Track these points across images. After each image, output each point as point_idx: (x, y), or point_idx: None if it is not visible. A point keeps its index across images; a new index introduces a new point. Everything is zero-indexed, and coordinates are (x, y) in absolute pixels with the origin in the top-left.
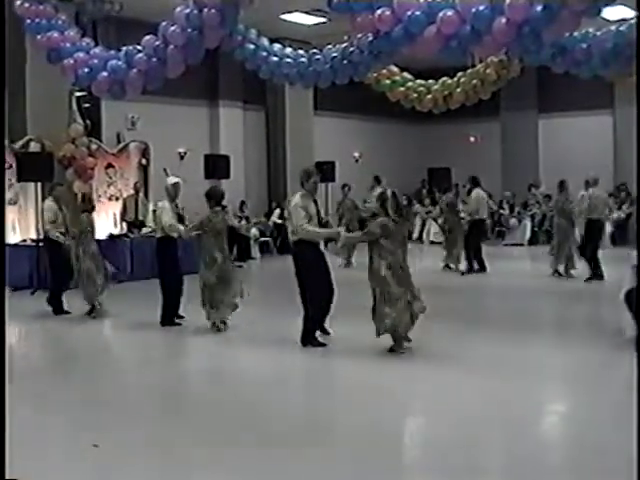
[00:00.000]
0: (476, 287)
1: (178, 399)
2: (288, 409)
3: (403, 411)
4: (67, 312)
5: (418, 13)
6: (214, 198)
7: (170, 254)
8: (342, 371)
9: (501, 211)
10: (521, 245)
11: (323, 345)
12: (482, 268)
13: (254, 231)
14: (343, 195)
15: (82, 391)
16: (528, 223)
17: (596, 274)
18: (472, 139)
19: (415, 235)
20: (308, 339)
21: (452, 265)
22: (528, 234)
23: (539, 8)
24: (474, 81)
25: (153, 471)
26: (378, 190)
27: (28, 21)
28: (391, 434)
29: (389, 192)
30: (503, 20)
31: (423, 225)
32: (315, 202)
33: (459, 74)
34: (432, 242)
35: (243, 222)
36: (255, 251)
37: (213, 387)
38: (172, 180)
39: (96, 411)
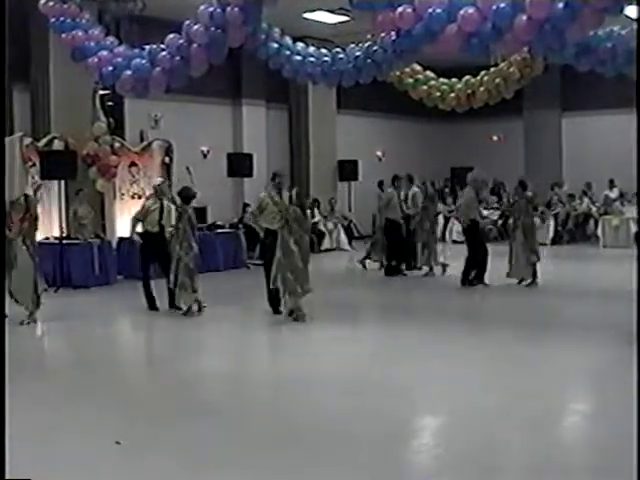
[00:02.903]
0: (496, 286)
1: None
2: (320, 410)
3: (421, 410)
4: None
5: (439, 11)
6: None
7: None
8: (361, 373)
9: None
10: (544, 245)
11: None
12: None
13: None
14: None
15: (109, 387)
16: (551, 223)
17: None
18: (495, 138)
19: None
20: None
21: None
22: (551, 234)
23: (561, 5)
24: (497, 80)
25: (174, 468)
26: (414, 189)
27: (52, 20)
28: (409, 433)
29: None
30: (524, 17)
31: (446, 224)
32: (280, 198)
33: (482, 73)
34: (454, 241)
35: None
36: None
37: (239, 385)
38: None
39: (121, 407)
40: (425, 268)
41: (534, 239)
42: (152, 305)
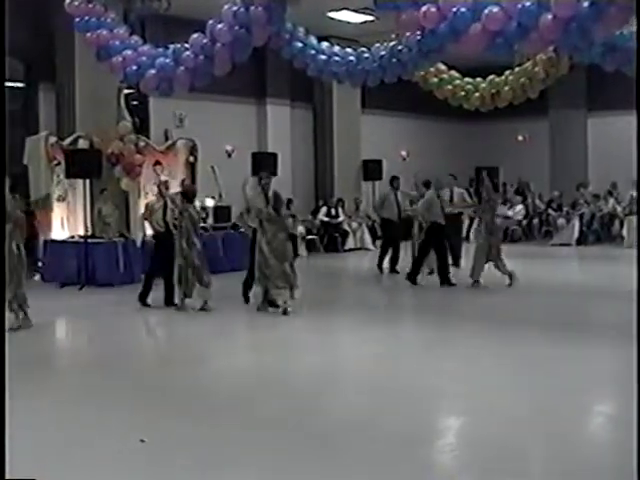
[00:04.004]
0: (520, 286)
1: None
2: (333, 407)
3: (444, 410)
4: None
5: (463, 10)
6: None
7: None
8: (382, 372)
9: (549, 211)
10: (569, 245)
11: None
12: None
13: (301, 229)
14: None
15: (133, 385)
16: (576, 223)
17: None
18: (520, 138)
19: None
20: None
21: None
22: (576, 234)
23: (586, 4)
24: (522, 79)
25: (199, 466)
26: (428, 193)
27: (77, 19)
28: (432, 433)
29: None
30: (549, 16)
31: (470, 224)
32: (266, 197)
33: (507, 72)
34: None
35: (290, 220)
36: (302, 249)
37: (266, 384)
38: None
39: (146, 405)
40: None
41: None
42: (143, 300)
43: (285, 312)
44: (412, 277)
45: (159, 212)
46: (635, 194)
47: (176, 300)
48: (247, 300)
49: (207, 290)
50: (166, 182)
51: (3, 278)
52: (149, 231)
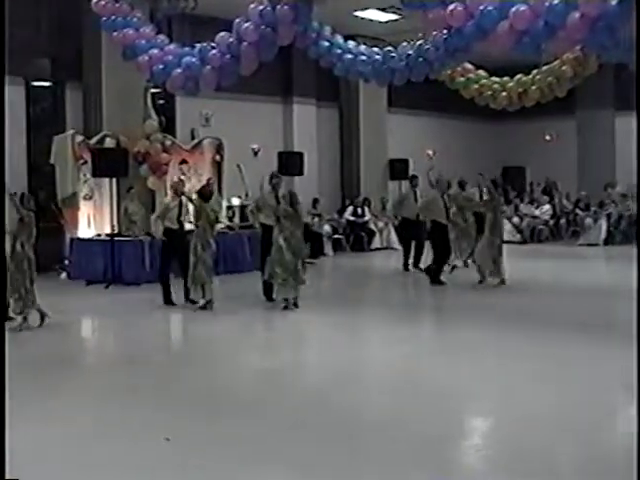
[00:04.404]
0: (546, 286)
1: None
2: (357, 406)
3: (471, 411)
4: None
5: (490, 8)
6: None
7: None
8: (410, 372)
9: (576, 211)
10: (596, 245)
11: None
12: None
13: (327, 228)
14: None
15: (158, 383)
16: (604, 223)
17: None
18: (548, 137)
19: None
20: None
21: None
22: (604, 234)
23: (614, 3)
24: (550, 78)
25: (225, 465)
26: (431, 193)
27: (104, 18)
28: (459, 434)
29: None
30: (577, 15)
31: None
32: (276, 196)
33: (534, 71)
34: (506, 241)
35: (316, 219)
36: (328, 248)
37: (290, 383)
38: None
39: (170, 403)
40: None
41: (498, 238)
42: (168, 299)
43: (292, 306)
44: (435, 277)
45: (174, 211)
46: None
47: (200, 300)
48: (270, 298)
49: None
50: (181, 182)
51: (3, 277)
52: (158, 230)
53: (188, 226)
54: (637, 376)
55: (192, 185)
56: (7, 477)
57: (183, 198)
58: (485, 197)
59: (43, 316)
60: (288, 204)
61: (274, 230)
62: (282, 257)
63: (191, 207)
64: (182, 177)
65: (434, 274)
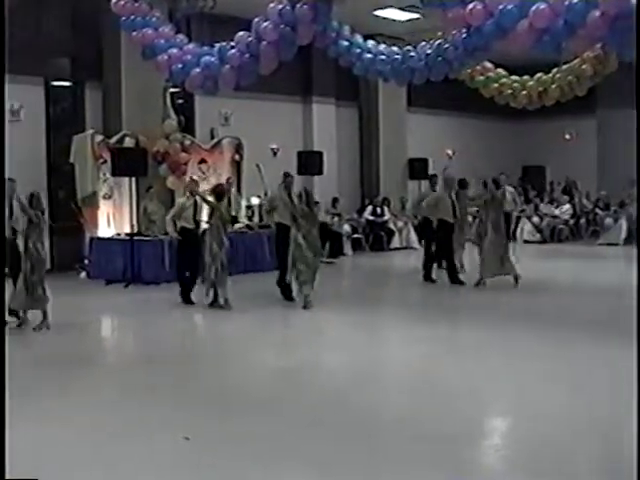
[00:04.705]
0: (566, 286)
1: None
2: (375, 405)
3: (490, 410)
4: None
5: (510, 7)
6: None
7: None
8: (428, 372)
9: (596, 210)
10: (616, 245)
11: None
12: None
13: (346, 228)
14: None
15: (176, 382)
16: (624, 222)
17: None
18: (568, 136)
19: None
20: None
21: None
22: (624, 234)
23: (634, 1)
24: (570, 77)
25: (241, 463)
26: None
27: (123, 18)
28: (478, 434)
29: None
30: (597, 13)
31: (517, 223)
32: (289, 195)
33: (554, 70)
34: (526, 241)
35: (335, 219)
36: (347, 248)
37: (308, 382)
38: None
39: (189, 402)
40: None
41: (502, 236)
42: (187, 298)
43: (309, 304)
44: (452, 276)
45: (189, 210)
46: None
47: (219, 299)
48: (289, 297)
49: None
50: (196, 181)
51: (3, 278)
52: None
53: (204, 225)
54: (637, 376)
55: (211, 185)
56: (7, 477)
57: (197, 197)
58: (486, 196)
59: (44, 319)
60: (304, 203)
61: (291, 229)
62: (303, 255)
63: (205, 206)
64: (195, 177)
65: (451, 273)
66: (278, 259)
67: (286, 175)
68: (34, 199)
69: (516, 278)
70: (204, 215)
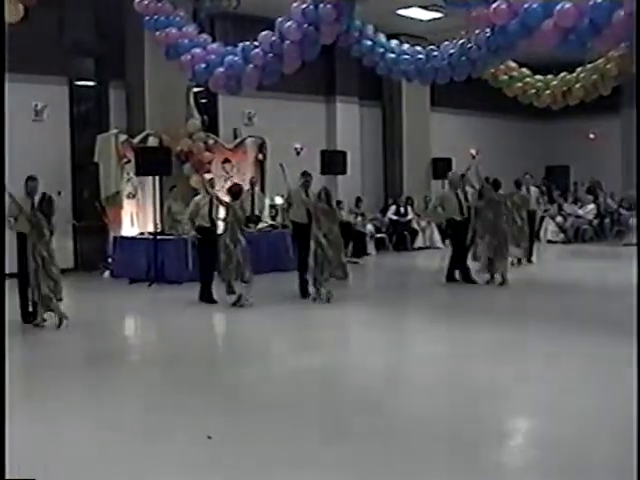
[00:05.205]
0: (590, 286)
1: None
2: (397, 406)
3: (513, 411)
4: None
5: (535, 6)
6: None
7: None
8: (451, 373)
9: (621, 210)
10: (632, 245)
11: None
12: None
13: (370, 227)
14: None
15: (199, 382)
16: None
17: None
18: (592, 136)
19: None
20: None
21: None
22: None
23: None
24: (594, 76)
25: (267, 464)
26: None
27: (147, 18)
28: (501, 434)
29: None
30: (622, 13)
31: (541, 223)
32: (307, 194)
33: (578, 69)
34: (549, 241)
35: (359, 218)
36: (371, 247)
37: (330, 381)
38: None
39: (212, 402)
40: None
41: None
42: (209, 297)
43: (325, 300)
44: (465, 276)
45: (205, 208)
46: None
47: (233, 298)
48: (304, 294)
49: (247, 287)
50: (211, 180)
51: (3, 277)
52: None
53: (220, 224)
54: (637, 376)
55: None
56: (7, 477)
57: (213, 196)
58: (485, 197)
59: (61, 319)
60: (324, 202)
61: (312, 227)
62: (324, 252)
63: (221, 205)
64: (211, 175)
65: (465, 273)
66: (299, 258)
67: (304, 174)
68: (45, 201)
69: (503, 278)
70: (220, 213)
